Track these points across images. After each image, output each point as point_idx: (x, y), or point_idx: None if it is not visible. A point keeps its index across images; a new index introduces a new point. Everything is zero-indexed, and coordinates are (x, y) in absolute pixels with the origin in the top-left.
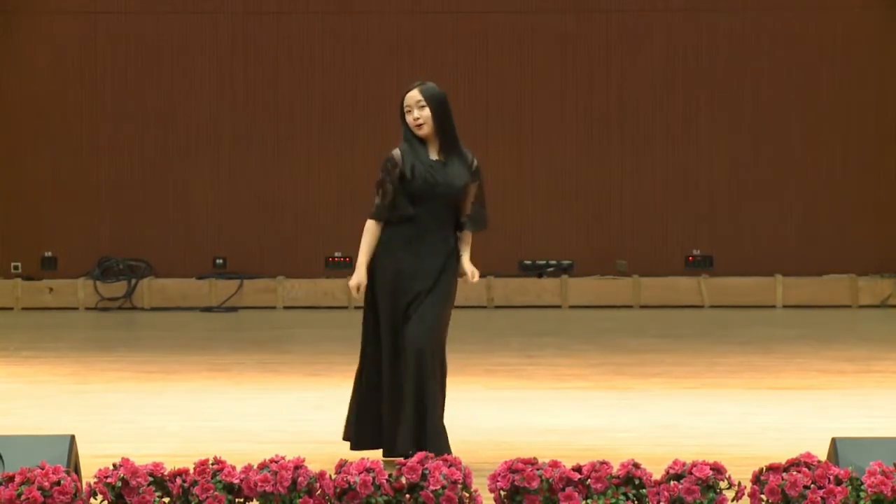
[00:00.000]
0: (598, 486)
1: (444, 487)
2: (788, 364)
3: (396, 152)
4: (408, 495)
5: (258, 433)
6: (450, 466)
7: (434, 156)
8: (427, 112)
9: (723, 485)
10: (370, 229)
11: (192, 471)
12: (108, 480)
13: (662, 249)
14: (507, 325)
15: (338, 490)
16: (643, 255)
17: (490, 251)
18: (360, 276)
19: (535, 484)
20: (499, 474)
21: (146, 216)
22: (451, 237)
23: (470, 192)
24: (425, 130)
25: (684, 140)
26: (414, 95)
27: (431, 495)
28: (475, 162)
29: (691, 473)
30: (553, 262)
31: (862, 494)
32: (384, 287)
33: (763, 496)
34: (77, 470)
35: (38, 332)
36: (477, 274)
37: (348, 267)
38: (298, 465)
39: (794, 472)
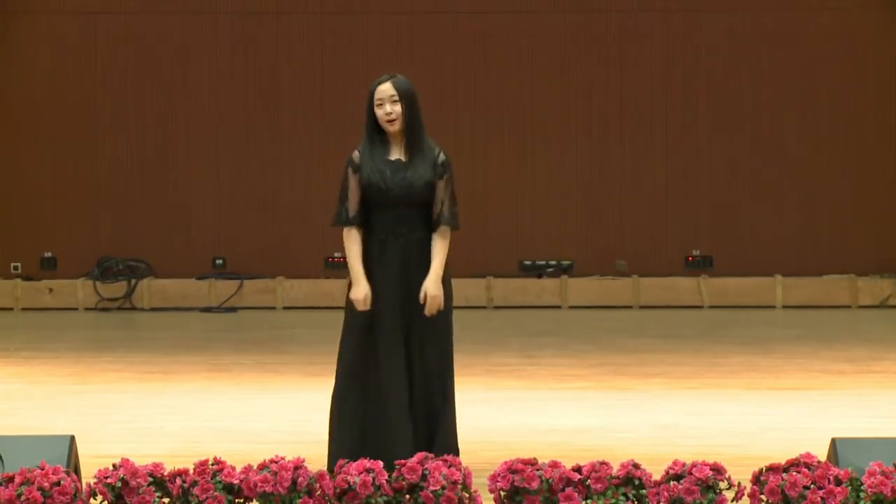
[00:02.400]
0: (598, 486)
1: (443, 488)
2: (788, 364)
3: (356, 154)
4: (407, 496)
5: (258, 433)
6: (449, 467)
7: (396, 155)
8: (399, 108)
9: (722, 485)
10: (345, 237)
11: (191, 471)
12: (108, 481)
13: (662, 249)
14: (507, 326)
15: (337, 490)
16: (643, 255)
17: (490, 251)
18: (362, 287)
19: (534, 484)
20: (498, 475)
21: (146, 216)
22: (425, 237)
23: (437, 190)
24: (396, 127)
25: (684, 140)
26: (387, 89)
27: (431, 496)
28: (441, 156)
29: (691, 474)
30: (553, 262)
31: (862, 495)
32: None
33: (763, 496)
34: (77, 470)
35: (37, 333)
36: (434, 301)
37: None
38: (298, 466)
39: (794, 473)
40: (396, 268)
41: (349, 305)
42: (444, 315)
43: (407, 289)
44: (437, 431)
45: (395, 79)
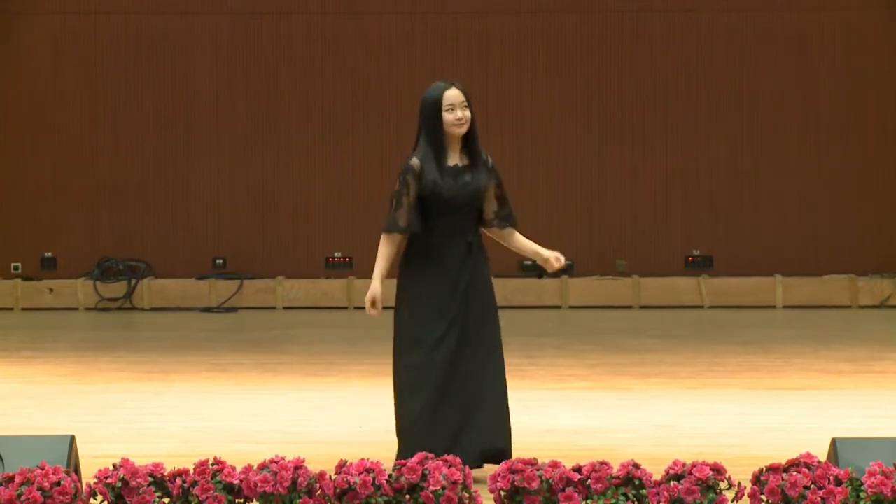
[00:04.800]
0: (598, 486)
1: (443, 488)
2: (788, 364)
3: (416, 161)
4: (408, 496)
5: (258, 433)
6: (450, 467)
7: (455, 160)
8: (469, 113)
9: (723, 485)
10: (384, 243)
11: (191, 471)
12: (108, 481)
13: (662, 249)
14: (507, 326)
15: (338, 490)
16: (643, 255)
17: (490, 251)
18: (372, 289)
19: (534, 484)
20: (499, 475)
21: (146, 216)
22: (476, 239)
23: (490, 192)
24: (464, 130)
25: (684, 140)
26: (458, 95)
27: (431, 496)
28: (490, 160)
29: (691, 474)
30: None
31: (862, 495)
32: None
33: (763, 496)
34: (77, 470)
35: (37, 333)
36: (557, 258)
37: (348, 267)
38: (298, 466)
39: (794, 473)
40: (453, 272)
41: (410, 312)
42: (492, 318)
43: (461, 292)
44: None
45: (460, 84)
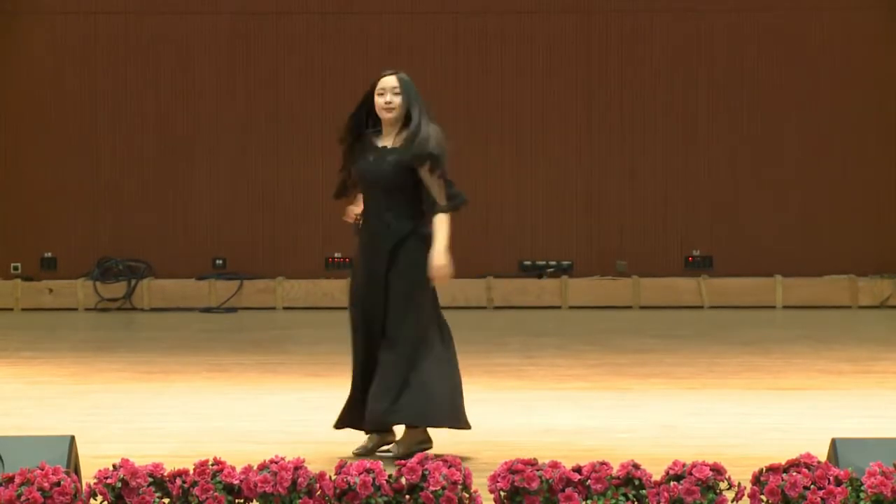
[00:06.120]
0: (598, 486)
1: (443, 488)
2: (788, 364)
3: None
4: (408, 496)
5: (258, 434)
6: (450, 467)
7: (383, 142)
8: (399, 99)
9: (723, 485)
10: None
11: (191, 471)
12: (108, 481)
13: (662, 250)
14: (507, 326)
15: (338, 491)
16: (643, 256)
17: (490, 252)
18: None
19: (534, 485)
20: (499, 475)
21: (146, 216)
22: (403, 221)
23: (423, 177)
24: (393, 115)
25: (684, 140)
26: (390, 81)
27: (431, 496)
28: (429, 148)
29: (691, 474)
30: (553, 262)
31: (862, 495)
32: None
33: (763, 497)
34: (77, 470)
35: (37, 333)
36: (441, 272)
37: (348, 267)
38: (298, 466)
39: (794, 473)
40: (374, 253)
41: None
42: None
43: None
44: (405, 396)
45: (399, 74)
